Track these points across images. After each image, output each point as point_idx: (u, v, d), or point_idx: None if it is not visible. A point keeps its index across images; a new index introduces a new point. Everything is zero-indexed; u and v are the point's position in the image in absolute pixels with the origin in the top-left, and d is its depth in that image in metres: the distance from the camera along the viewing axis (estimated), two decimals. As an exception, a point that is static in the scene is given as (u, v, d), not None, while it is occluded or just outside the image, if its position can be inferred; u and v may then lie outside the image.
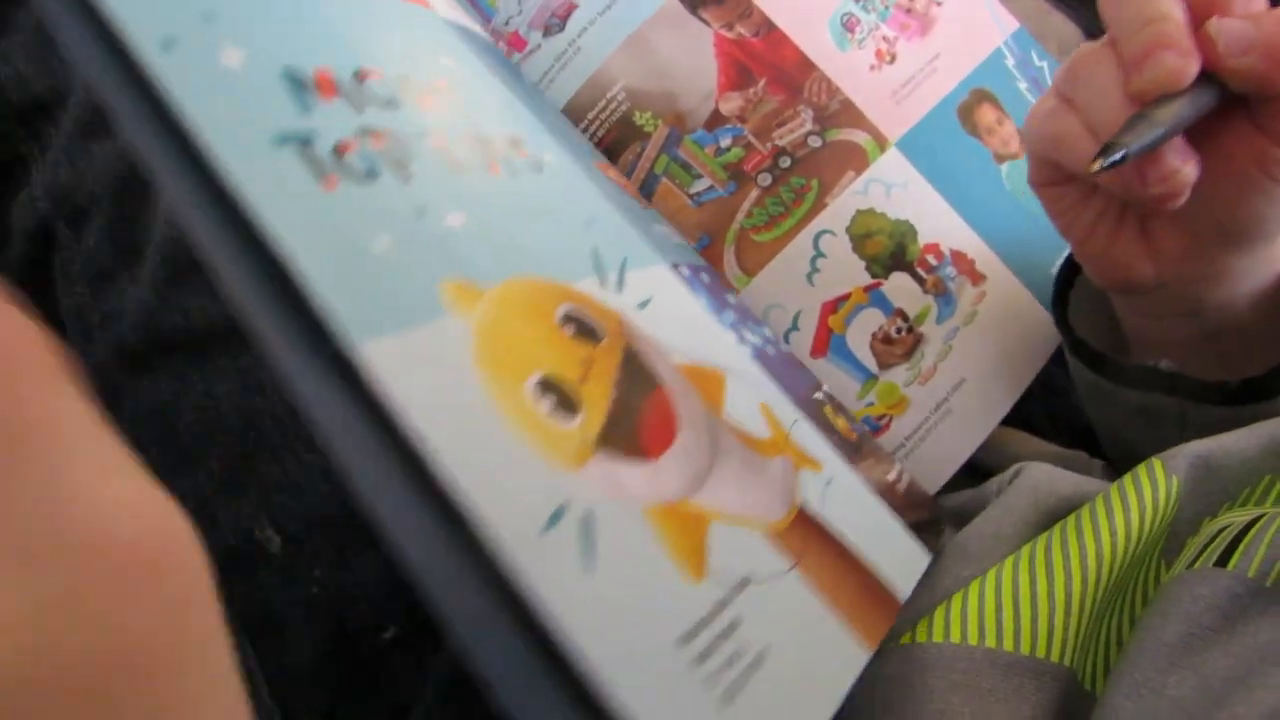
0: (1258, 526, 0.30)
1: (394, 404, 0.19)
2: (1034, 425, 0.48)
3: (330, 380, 0.20)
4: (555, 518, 0.21)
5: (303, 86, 0.24)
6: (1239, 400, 0.40)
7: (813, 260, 0.43)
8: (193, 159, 0.21)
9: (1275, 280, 0.39)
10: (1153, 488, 0.34)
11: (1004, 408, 0.43)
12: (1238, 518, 0.31)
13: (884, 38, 0.47)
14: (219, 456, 0.38)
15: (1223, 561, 0.29)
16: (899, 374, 0.43)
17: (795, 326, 0.43)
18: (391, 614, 0.37)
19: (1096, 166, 0.31)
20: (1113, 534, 0.33)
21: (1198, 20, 0.33)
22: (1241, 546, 0.29)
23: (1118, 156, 0.31)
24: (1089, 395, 0.45)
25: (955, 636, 0.31)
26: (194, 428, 0.38)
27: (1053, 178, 0.38)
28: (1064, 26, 1.28)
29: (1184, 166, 0.33)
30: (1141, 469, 0.35)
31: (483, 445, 0.20)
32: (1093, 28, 1.26)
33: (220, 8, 0.24)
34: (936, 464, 0.42)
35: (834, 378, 0.42)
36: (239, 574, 0.37)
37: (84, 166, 0.41)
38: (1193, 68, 0.32)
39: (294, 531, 0.38)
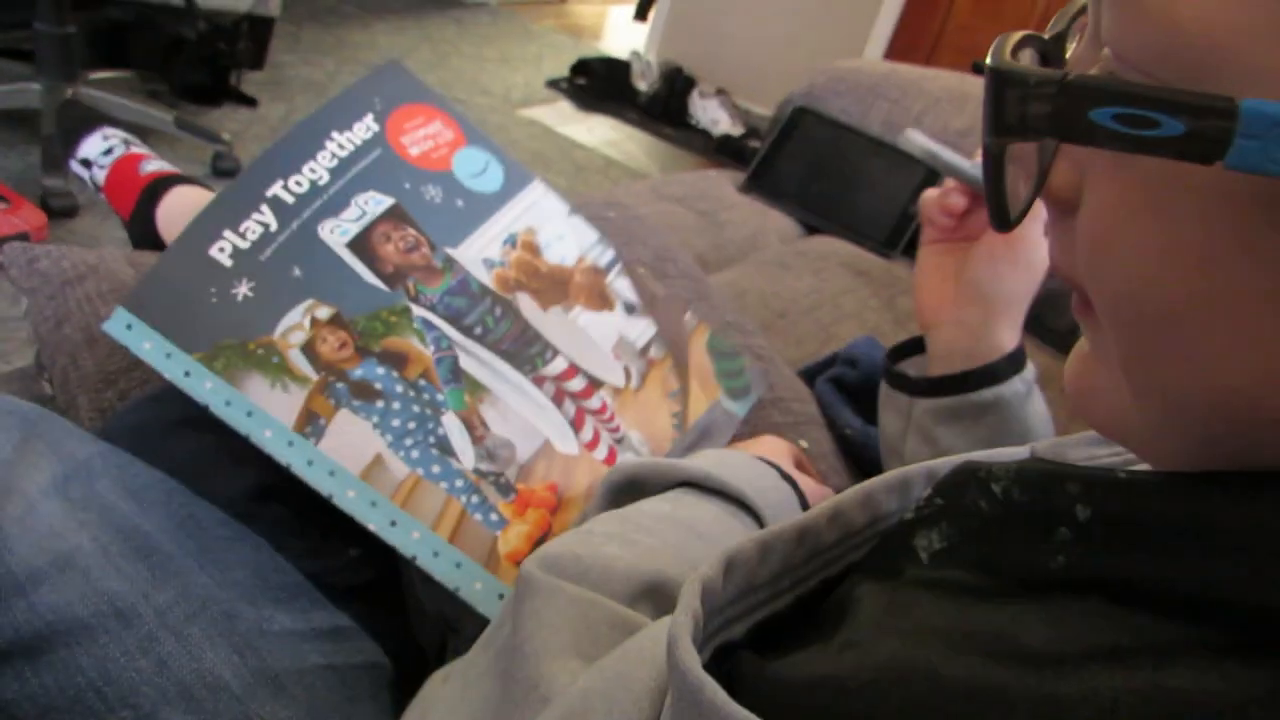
0: None
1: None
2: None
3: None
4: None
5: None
6: (921, 392, 0.68)
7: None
8: None
9: (969, 343, 0.66)
10: None
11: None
12: None
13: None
14: (53, 726, 0.51)
15: None
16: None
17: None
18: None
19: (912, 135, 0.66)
20: None
21: None
22: None
23: (917, 137, 0.65)
24: (884, 406, 0.73)
25: None
26: (32, 713, 0.52)
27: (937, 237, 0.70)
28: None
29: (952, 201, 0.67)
30: None
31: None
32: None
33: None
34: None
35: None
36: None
37: None
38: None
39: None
